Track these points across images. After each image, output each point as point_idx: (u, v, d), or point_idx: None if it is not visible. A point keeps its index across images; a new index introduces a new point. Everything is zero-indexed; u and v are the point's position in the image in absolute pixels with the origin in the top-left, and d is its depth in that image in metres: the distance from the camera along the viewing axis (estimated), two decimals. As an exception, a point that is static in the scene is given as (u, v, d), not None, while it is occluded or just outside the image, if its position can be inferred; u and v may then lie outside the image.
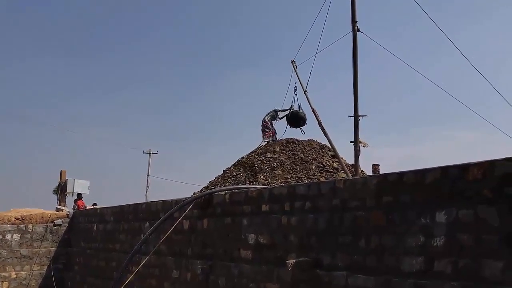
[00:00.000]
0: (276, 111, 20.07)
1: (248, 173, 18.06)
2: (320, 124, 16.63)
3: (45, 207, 18.78)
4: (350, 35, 15.41)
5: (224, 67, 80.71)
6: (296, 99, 19.35)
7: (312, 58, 17.37)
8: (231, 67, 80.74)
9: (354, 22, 15.47)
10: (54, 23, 72.49)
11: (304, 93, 17.67)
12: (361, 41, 15.41)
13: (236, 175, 18.32)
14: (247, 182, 16.95)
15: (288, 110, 19.83)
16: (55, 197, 23.66)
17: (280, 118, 20.21)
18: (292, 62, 18.56)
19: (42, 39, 73.27)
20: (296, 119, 19.49)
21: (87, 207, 21.22)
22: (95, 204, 22.35)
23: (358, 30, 15.28)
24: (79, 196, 21.91)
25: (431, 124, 71.68)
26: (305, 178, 16.23)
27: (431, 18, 15.20)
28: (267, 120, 20.07)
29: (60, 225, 17.00)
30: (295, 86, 19.01)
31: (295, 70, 18.35)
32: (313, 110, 17.11)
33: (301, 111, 19.45)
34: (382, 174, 6.82)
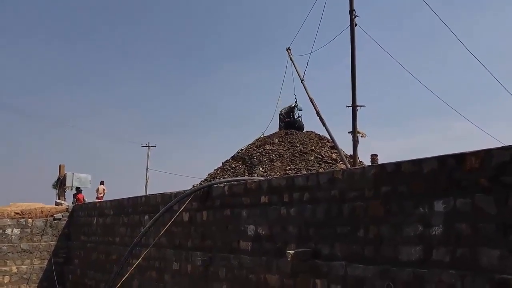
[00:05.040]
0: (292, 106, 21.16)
1: (247, 165, 18.10)
2: (318, 113, 16.60)
3: (44, 201, 18.82)
4: (349, 26, 15.41)
5: (221, 59, 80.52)
6: (297, 111, 21.21)
7: (309, 47, 17.44)
8: (227, 59, 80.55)
9: (352, 11, 15.43)
10: (53, 15, 72.14)
11: (301, 82, 17.61)
12: (359, 30, 15.42)
13: (235, 167, 18.37)
14: (246, 174, 16.98)
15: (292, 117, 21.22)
16: (55, 191, 23.72)
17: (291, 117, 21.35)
18: (287, 50, 18.51)
19: (40, 29, 72.93)
20: (297, 128, 20.35)
21: (101, 187, 21.51)
22: (102, 182, 22.48)
23: (356, 25, 15.25)
24: (79, 190, 21.95)
25: (429, 115, 71.70)
26: (304, 170, 16.27)
27: (430, 7, 15.19)
28: (283, 112, 21.20)
29: (60, 219, 17.04)
30: (295, 99, 20.19)
31: (290, 58, 18.30)
32: (310, 100, 17.07)
33: (300, 119, 20.54)
34: (380, 164, 6.83)
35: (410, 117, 73.27)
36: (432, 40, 69.32)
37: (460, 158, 5.44)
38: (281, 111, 21.00)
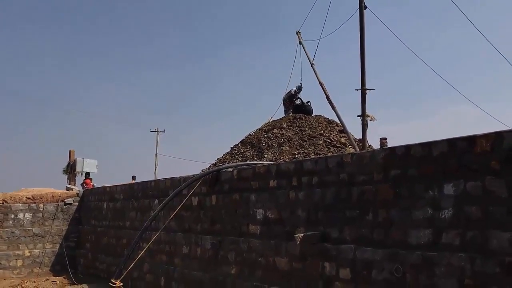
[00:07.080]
0: (292, 92, 20.80)
1: (255, 150, 18.08)
2: (327, 97, 16.53)
3: (55, 186, 18.98)
4: (358, 10, 15.23)
5: (228, 41, 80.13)
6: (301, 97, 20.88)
7: (318, 30, 17.29)
8: (235, 40, 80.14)
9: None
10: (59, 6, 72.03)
11: (311, 66, 17.50)
12: (368, 13, 15.24)
13: (244, 152, 18.35)
14: (255, 158, 16.97)
15: (299, 100, 20.93)
16: (65, 176, 23.96)
17: (294, 100, 21.05)
18: (297, 33, 18.36)
19: (48, 19, 72.92)
20: (306, 112, 20.22)
21: (133, 181, 21.49)
22: (134, 177, 22.53)
23: (365, 8, 15.08)
24: (87, 175, 22.13)
25: (440, 98, 71.02)
26: (313, 154, 16.22)
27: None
28: (285, 98, 20.97)
29: (70, 203, 17.20)
30: (300, 85, 19.99)
31: (300, 42, 18.15)
32: (320, 84, 16.97)
33: (309, 103, 20.49)
34: (389, 147, 6.80)
35: (420, 100, 72.67)
36: (442, 22, 68.31)
37: (470, 140, 5.39)
38: (283, 97, 20.89)
